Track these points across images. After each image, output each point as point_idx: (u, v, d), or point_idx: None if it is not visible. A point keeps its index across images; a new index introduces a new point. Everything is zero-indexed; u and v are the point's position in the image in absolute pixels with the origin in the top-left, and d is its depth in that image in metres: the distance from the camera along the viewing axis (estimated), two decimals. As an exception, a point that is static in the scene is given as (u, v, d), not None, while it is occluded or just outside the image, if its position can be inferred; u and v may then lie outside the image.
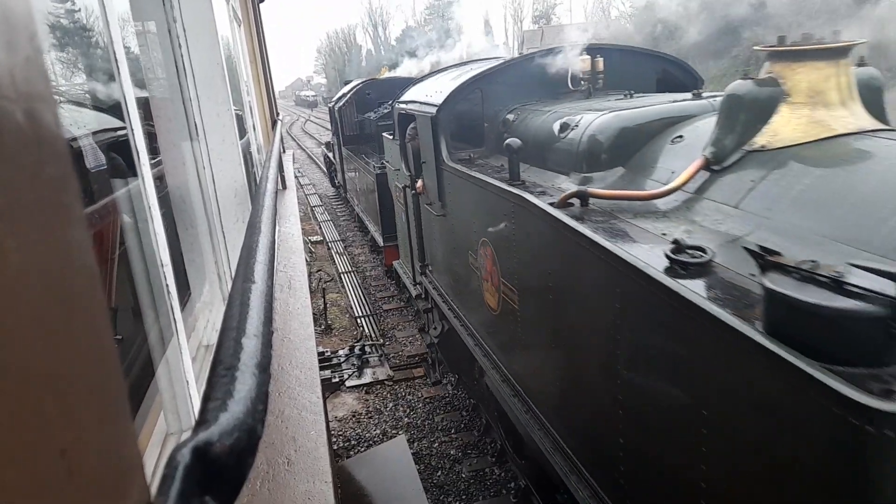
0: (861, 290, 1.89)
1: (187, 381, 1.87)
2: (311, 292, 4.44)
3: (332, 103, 16.16)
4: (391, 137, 8.37)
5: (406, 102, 7.21)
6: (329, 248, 15.79)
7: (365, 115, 13.63)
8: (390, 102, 8.44)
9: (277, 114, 9.31)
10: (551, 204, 3.79)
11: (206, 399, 0.64)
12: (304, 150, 35.38)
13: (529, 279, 4.26)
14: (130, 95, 1.77)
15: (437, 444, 7.19)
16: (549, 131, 4.83)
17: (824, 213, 2.76)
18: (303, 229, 6.97)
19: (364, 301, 11.80)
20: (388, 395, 8.44)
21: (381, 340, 10.06)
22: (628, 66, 6.08)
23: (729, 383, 2.28)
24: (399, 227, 8.78)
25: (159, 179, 2.42)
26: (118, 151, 1.95)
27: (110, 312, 1.93)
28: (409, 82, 8.66)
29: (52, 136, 0.42)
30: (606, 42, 6.65)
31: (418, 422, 7.73)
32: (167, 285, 1.82)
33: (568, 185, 4.20)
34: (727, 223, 3.10)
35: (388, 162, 9.16)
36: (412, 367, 9.08)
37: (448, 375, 8.24)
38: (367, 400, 8.40)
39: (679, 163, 3.72)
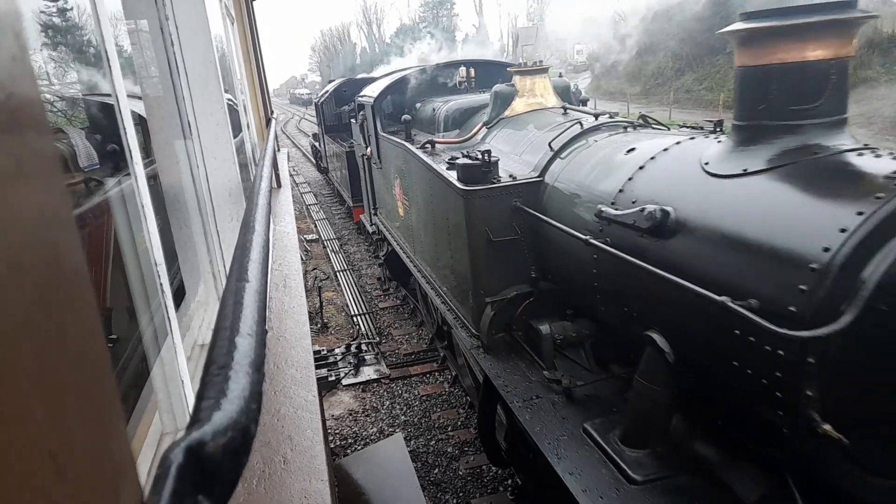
0: (483, 157, 5.07)
1: (182, 381, 1.86)
2: (306, 291, 4.43)
3: (317, 99, 19.62)
4: (355, 121, 11.40)
5: (362, 96, 10.42)
6: (324, 247, 15.78)
7: (341, 108, 16.79)
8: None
9: (272, 112, 9.28)
10: (417, 148, 7.00)
11: (200, 398, 0.64)
12: (298, 148, 35.29)
13: (411, 190, 7.52)
14: (122, 94, 1.76)
15: (434, 442, 7.20)
16: (431, 112, 8.34)
17: (511, 141, 6.19)
18: (298, 228, 7.10)
19: (360, 299, 11.79)
20: (385, 394, 8.45)
21: (378, 339, 10.06)
22: (494, 73, 8.98)
23: (448, 201, 5.56)
24: (362, 187, 11.82)
25: (153, 178, 2.42)
26: (111, 150, 1.94)
27: (105, 313, 1.92)
28: (369, 81, 12.06)
29: (38, 136, 0.42)
30: (476, 58, 10.76)
31: (415, 419, 7.74)
32: (161, 284, 1.81)
33: (432, 139, 7.40)
34: (483, 148, 5.87)
35: (354, 141, 12.37)
36: (409, 366, 9.09)
37: (393, 284, 11.75)
38: (364, 398, 8.40)
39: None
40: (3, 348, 0.34)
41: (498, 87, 6.97)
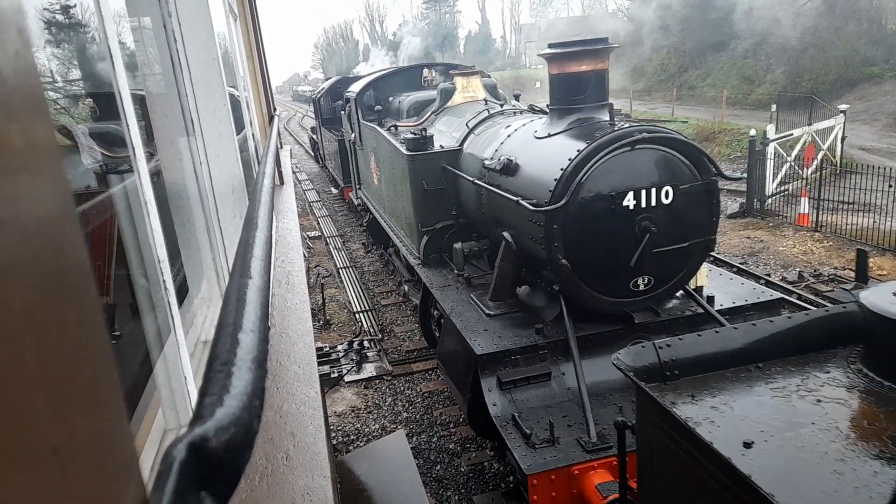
0: (421, 133, 7.88)
1: (185, 378, 1.87)
2: (309, 288, 4.43)
3: (315, 96, 22.14)
4: (344, 113, 13.65)
5: (348, 91, 12.64)
6: (327, 244, 15.78)
7: (336, 102, 18.63)
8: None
9: (274, 109, 9.30)
10: (384, 130, 9.19)
11: (203, 394, 0.64)
12: (301, 145, 35.27)
13: (380, 162, 9.77)
14: (126, 91, 1.76)
15: (435, 439, 7.21)
16: (398, 104, 10.41)
17: (449, 123, 8.45)
18: (301, 225, 7.19)
19: (363, 296, 11.80)
20: (387, 390, 8.46)
21: (380, 335, 10.07)
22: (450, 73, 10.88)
23: (400, 164, 8.07)
24: (350, 168, 14.06)
25: (155, 175, 2.42)
26: (114, 147, 1.94)
27: (108, 309, 1.92)
28: (359, 79, 14.21)
29: (41, 131, 0.42)
30: (437, 62, 13.19)
31: (417, 416, 7.75)
32: (164, 281, 1.81)
33: (396, 123, 9.54)
34: (429, 130, 8.31)
35: (343, 129, 14.61)
36: (411, 362, 9.10)
37: (375, 247, 14.21)
38: (366, 395, 8.41)
39: None
40: (6, 342, 0.34)
41: (442, 84, 9.46)
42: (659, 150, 5.15)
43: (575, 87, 5.63)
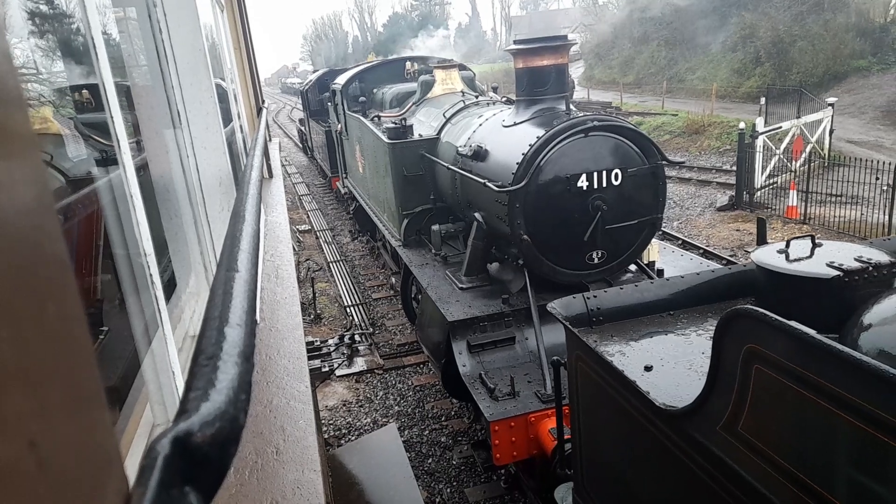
0: (401, 123, 8.44)
1: (173, 372, 1.85)
2: (299, 282, 4.43)
3: (303, 88, 22.38)
4: (331, 104, 14.20)
5: (334, 83, 13.06)
6: (317, 237, 15.72)
7: (323, 94, 18.83)
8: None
9: (263, 101, 9.22)
10: (368, 121, 9.63)
11: (188, 389, 0.63)
12: (290, 138, 35.05)
13: (364, 151, 10.28)
14: (110, 82, 1.74)
15: (427, 432, 7.23)
16: (381, 96, 10.92)
17: (428, 114, 9.02)
18: (290, 218, 7.18)
19: (353, 290, 11.78)
20: (379, 384, 8.46)
21: (371, 329, 10.05)
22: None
23: (382, 152, 8.60)
24: (337, 158, 14.57)
25: (142, 168, 2.39)
26: (98, 139, 1.92)
27: (95, 304, 1.90)
28: (345, 71, 14.71)
29: (18, 121, 0.41)
30: (419, 55, 13.48)
31: (409, 410, 7.76)
32: (151, 276, 1.80)
33: (378, 114, 9.96)
34: (410, 120, 8.84)
35: (330, 121, 15.18)
36: (402, 356, 9.10)
37: (360, 235, 14.87)
38: (358, 389, 8.41)
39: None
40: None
41: (423, 77, 10.02)
42: (610, 136, 5.71)
43: (538, 79, 6.15)
